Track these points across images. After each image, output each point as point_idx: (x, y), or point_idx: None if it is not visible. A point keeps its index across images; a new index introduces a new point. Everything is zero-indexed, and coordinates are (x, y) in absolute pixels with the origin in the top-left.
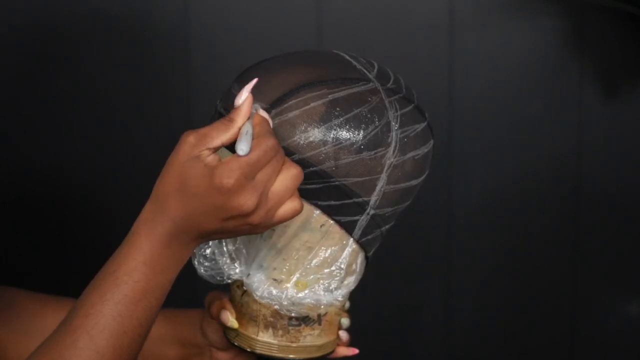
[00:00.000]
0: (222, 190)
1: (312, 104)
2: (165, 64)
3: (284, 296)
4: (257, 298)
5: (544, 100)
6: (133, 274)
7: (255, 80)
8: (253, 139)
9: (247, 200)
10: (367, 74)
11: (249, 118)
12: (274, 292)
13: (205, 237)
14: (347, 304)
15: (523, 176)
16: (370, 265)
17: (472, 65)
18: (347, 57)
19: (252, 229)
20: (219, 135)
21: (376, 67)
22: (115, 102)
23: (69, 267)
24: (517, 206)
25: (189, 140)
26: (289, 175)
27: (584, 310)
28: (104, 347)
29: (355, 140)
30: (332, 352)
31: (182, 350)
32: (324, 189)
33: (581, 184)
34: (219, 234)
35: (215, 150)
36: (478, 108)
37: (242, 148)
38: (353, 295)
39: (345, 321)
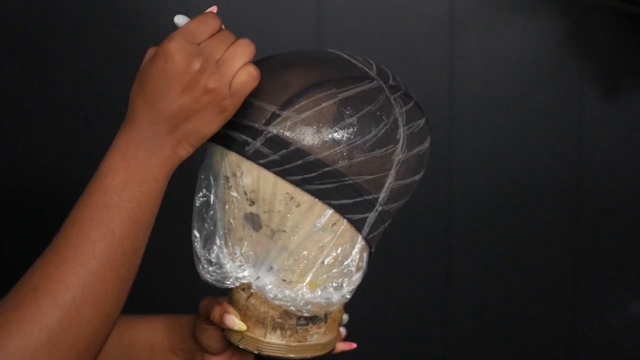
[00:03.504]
0: (167, 56)
1: (323, 104)
2: None
3: (298, 297)
4: (270, 300)
5: (544, 100)
6: (112, 167)
7: (214, 8)
8: None
9: (191, 60)
10: (369, 72)
11: None
12: (288, 293)
13: (175, 125)
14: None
15: (523, 176)
16: (369, 262)
17: (472, 65)
18: (345, 56)
19: (214, 100)
20: None
21: (374, 64)
22: (116, 102)
23: None
24: (517, 206)
25: (149, 52)
26: (237, 44)
27: (584, 310)
28: (95, 236)
29: (368, 139)
30: (334, 348)
31: (173, 357)
32: (338, 188)
33: (581, 184)
34: (188, 117)
35: None
36: (478, 108)
37: (178, 17)
38: (353, 295)
39: (346, 317)
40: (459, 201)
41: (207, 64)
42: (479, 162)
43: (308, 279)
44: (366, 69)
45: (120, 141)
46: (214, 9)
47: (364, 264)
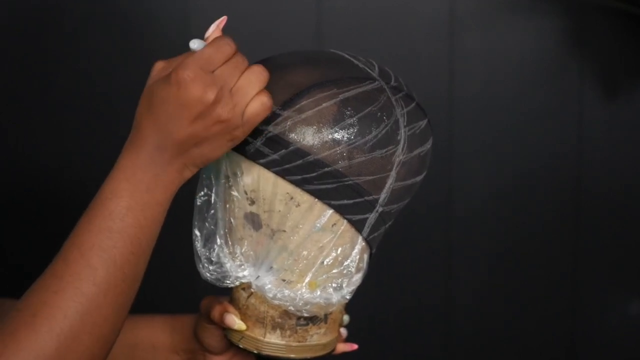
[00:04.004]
0: (180, 84)
1: (324, 104)
2: None
3: (298, 297)
4: (269, 299)
5: (544, 100)
6: (116, 190)
7: (224, 18)
8: None
9: (206, 90)
10: (371, 72)
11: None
12: (287, 293)
13: (183, 150)
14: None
15: (523, 176)
16: (370, 262)
17: (472, 65)
18: (347, 56)
19: (225, 130)
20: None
21: (376, 65)
22: (116, 101)
23: None
24: (517, 206)
25: (158, 66)
26: (251, 72)
27: (584, 310)
28: (96, 262)
29: (368, 139)
30: (334, 349)
31: (175, 357)
32: (338, 188)
33: (581, 184)
34: (197, 144)
35: None
36: (478, 108)
37: (194, 42)
38: (354, 296)
39: (347, 318)
40: (459, 201)
41: (221, 95)
42: (479, 162)
43: (307, 279)
44: (368, 69)
45: (125, 163)
46: (223, 20)
47: (364, 265)
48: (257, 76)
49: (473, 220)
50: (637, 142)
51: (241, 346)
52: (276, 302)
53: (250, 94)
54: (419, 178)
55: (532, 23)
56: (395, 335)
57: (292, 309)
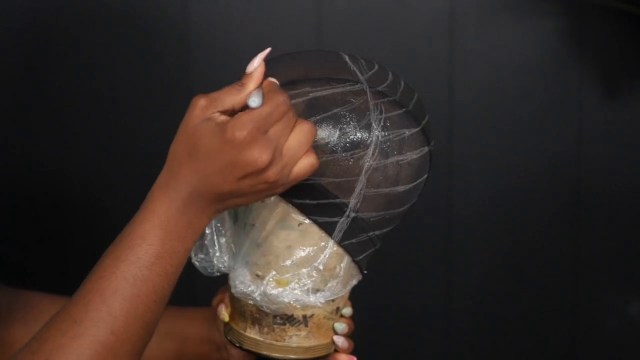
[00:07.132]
0: (235, 144)
1: (291, 102)
2: (166, 65)
3: (257, 292)
4: (233, 292)
5: (544, 101)
6: (147, 237)
7: (268, 50)
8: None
9: (261, 154)
10: (359, 75)
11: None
12: (252, 288)
13: (221, 200)
14: (348, 311)
15: (523, 176)
16: (368, 271)
17: (472, 65)
18: (346, 58)
19: (269, 188)
20: (230, 98)
21: (375, 68)
22: (116, 101)
23: (69, 268)
24: (517, 206)
25: (200, 103)
26: (301, 131)
27: (584, 310)
28: (117, 310)
29: (330, 140)
30: (325, 356)
31: (203, 347)
32: (298, 186)
33: (581, 184)
34: (236, 197)
35: (226, 113)
36: (478, 108)
37: (254, 99)
38: (353, 295)
39: (340, 326)
40: (459, 201)
41: (273, 158)
42: (479, 162)
43: (270, 276)
44: (359, 72)
45: (157, 208)
46: (267, 52)
47: (341, 272)
48: (306, 137)
49: (473, 221)
50: (637, 142)
51: (228, 337)
52: (239, 295)
53: (300, 155)
54: (401, 188)
55: (532, 23)
56: (395, 335)
57: (252, 303)
